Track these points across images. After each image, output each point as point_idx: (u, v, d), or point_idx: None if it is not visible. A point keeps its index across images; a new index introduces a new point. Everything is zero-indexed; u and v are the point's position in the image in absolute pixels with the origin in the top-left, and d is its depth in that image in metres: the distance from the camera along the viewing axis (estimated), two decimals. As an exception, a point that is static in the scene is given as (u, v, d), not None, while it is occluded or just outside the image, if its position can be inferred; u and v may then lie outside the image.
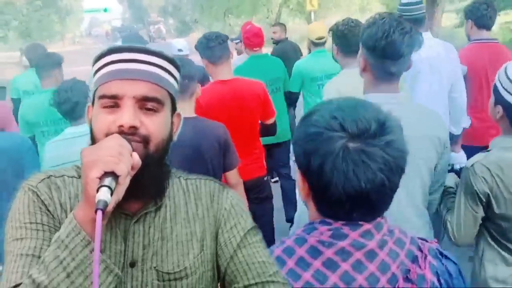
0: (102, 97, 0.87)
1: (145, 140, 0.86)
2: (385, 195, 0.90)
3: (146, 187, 0.88)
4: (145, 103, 0.87)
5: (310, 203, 0.97)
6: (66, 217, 0.85)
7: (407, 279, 0.91)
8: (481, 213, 1.53)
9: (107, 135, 0.84)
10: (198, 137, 2.04)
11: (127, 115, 0.84)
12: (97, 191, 0.74)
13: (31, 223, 0.86)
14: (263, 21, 22.61)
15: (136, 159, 0.81)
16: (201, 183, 1.01)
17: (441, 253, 0.98)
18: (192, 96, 2.11)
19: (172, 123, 0.94)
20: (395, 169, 0.88)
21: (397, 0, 16.34)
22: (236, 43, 5.50)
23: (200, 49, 2.62)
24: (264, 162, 2.88)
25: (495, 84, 1.54)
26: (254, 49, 3.68)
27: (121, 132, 0.84)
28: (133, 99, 0.85)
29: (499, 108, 1.52)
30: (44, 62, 3.14)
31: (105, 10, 46.77)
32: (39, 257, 0.81)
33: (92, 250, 0.75)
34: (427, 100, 2.60)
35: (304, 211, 1.03)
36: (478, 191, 1.50)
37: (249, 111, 2.66)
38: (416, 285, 0.91)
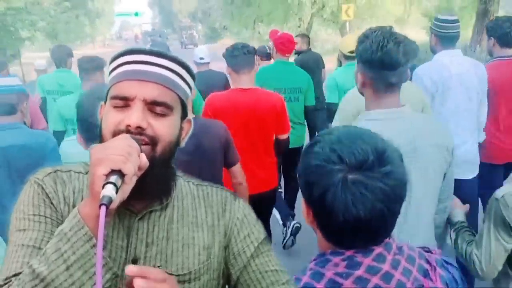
0: (114, 97, 0.88)
1: (153, 142, 0.87)
2: (386, 223, 0.94)
3: (152, 187, 0.89)
4: (154, 107, 0.87)
5: (316, 229, 1.00)
6: (68, 211, 0.89)
7: None
8: None
9: (114, 133, 0.85)
10: (199, 134, 1.98)
11: (135, 116, 0.85)
12: (103, 187, 0.75)
13: (34, 215, 0.87)
14: (293, 30, 22.10)
15: (144, 160, 0.82)
16: (212, 191, 1.01)
17: (446, 262, 1.04)
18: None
19: (181, 128, 0.95)
20: (393, 199, 0.91)
21: (440, 11, 15.18)
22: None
23: (226, 57, 2.72)
24: (277, 174, 2.93)
25: None
26: (286, 55, 3.76)
27: (128, 131, 0.84)
28: (143, 102, 0.86)
29: None
30: (87, 65, 3.29)
31: (136, 14, 47.32)
32: (40, 248, 0.83)
33: (93, 246, 0.76)
34: (457, 116, 2.63)
35: None
36: (510, 223, 1.47)
37: (264, 122, 2.68)
38: None
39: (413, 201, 1.48)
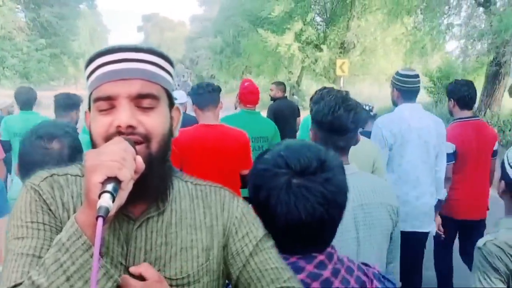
0: (97, 99, 0.87)
1: (147, 139, 0.86)
2: (325, 228, 1.01)
3: (150, 187, 0.88)
4: (140, 101, 0.87)
5: None
6: (68, 216, 0.87)
7: None
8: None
9: (106, 138, 0.85)
10: None
11: (124, 115, 0.84)
12: (99, 196, 0.74)
13: (32, 222, 0.86)
14: (285, 82, 21.44)
15: (140, 163, 0.81)
16: (211, 191, 1.00)
17: (383, 276, 1.11)
18: None
19: (171, 117, 0.94)
20: (333, 204, 0.99)
21: (443, 76, 14.30)
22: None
23: (192, 95, 2.87)
24: None
25: (502, 159, 1.63)
26: (247, 105, 3.82)
27: (119, 133, 0.84)
28: (128, 98, 0.86)
29: (503, 184, 1.59)
30: (63, 102, 3.29)
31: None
32: (40, 257, 0.82)
33: (92, 255, 0.75)
34: (416, 169, 2.73)
35: None
36: (498, 268, 1.48)
37: (230, 157, 2.77)
38: None
39: (361, 257, 1.49)
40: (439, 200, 2.93)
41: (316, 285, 0.98)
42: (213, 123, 2.79)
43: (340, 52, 18.27)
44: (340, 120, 1.53)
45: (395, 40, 14.79)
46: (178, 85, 35.37)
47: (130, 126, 0.83)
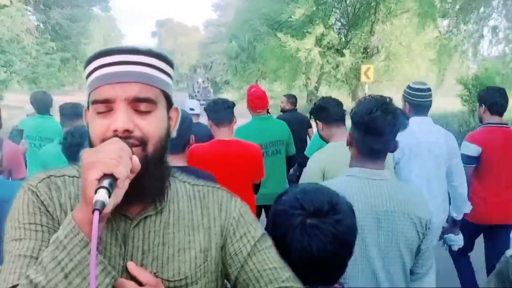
0: (95, 102, 0.88)
1: (142, 142, 0.87)
2: (336, 264, 1.13)
3: (146, 188, 0.89)
4: (137, 105, 0.88)
5: None
6: (65, 218, 0.87)
7: None
8: None
9: (103, 140, 0.86)
10: None
11: (120, 119, 0.85)
12: (96, 192, 0.76)
13: (30, 223, 0.87)
14: (298, 88, 20.60)
15: (136, 162, 0.82)
16: (208, 191, 1.02)
17: None
18: (184, 149, 2.23)
19: (169, 118, 0.95)
20: (343, 243, 1.10)
21: (479, 84, 13.14)
22: None
23: (208, 111, 3.02)
24: None
25: None
26: (257, 111, 3.85)
27: (116, 136, 0.85)
28: (125, 101, 0.87)
29: None
30: (68, 112, 3.46)
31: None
32: (37, 258, 0.83)
33: (90, 251, 0.76)
34: (428, 184, 2.71)
35: None
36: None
37: (243, 171, 2.93)
38: None
39: (384, 265, 1.55)
40: (464, 214, 3.01)
41: None
42: (228, 138, 2.92)
43: (363, 57, 17.41)
44: (376, 122, 1.54)
45: (427, 45, 13.77)
46: (198, 92, 34.01)
47: (126, 130, 0.84)
